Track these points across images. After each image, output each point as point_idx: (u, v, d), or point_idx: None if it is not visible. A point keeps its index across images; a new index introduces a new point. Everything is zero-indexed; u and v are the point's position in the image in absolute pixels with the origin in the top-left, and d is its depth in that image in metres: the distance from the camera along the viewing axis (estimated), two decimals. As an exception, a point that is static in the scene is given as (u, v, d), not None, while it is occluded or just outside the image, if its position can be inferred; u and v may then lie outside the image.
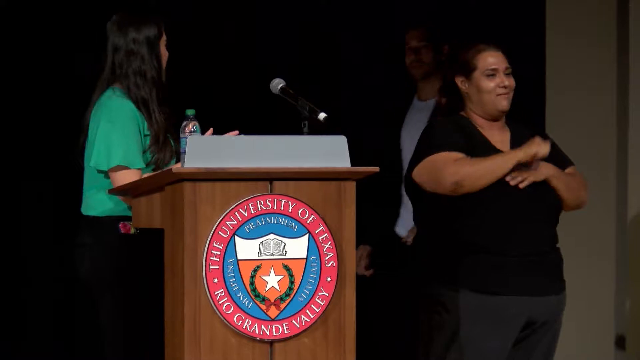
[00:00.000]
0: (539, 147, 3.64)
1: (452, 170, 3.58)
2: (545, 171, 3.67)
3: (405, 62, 4.79)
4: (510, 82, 3.72)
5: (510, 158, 3.63)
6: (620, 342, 5.20)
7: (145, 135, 3.55)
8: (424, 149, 3.69)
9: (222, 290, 3.05)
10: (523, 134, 3.76)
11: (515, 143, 3.73)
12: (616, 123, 5.30)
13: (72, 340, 5.31)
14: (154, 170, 3.52)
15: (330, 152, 3.18)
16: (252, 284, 3.08)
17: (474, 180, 3.57)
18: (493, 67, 3.70)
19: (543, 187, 3.68)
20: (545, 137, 3.76)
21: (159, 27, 3.62)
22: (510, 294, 3.61)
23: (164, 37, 3.66)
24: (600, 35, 5.36)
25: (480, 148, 3.64)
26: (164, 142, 3.56)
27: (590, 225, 5.18)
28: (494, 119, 3.75)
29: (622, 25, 5.32)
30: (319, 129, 3.48)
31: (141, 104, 3.55)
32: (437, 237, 3.71)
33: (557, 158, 3.77)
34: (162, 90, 3.59)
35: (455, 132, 3.67)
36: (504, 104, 3.71)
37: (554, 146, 3.76)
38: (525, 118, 3.87)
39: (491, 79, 3.69)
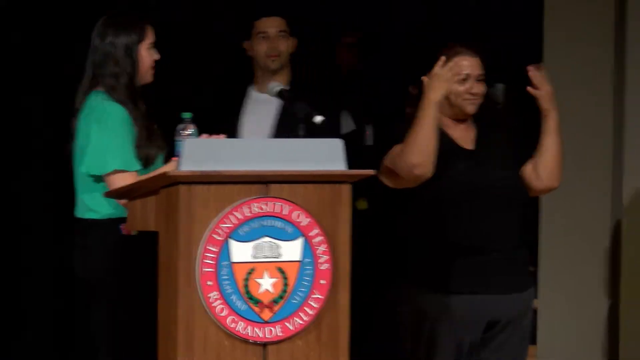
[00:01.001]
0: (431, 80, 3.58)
1: (400, 154, 3.58)
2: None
3: (256, 50, 4.43)
4: (479, 89, 3.72)
5: (420, 107, 3.58)
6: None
7: None
8: (387, 145, 3.71)
9: (216, 292, 3.04)
10: (490, 134, 3.77)
11: (481, 142, 3.73)
12: (612, 124, 5.29)
13: (71, 342, 5.32)
14: (143, 167, 3.53)
15: (326, 155, 3.18)
16: (245, 286, 3.07)
17: (412, 147, 3.54)
18: (466, 72, 3.70)
19: (508, 184, 3.69)
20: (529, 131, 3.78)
21: (141, 31, 3.63)
22: (470, 292, 3.61)
23: (148, 40, 3.66)
24: (598, 35, 5.35)
25: (442, 144, 3.62)
26: (148, 139, 3.57)
27: (584, 225, 5.19)
28: (460, 119, 3.76)
29: (620, 26, 5.30)
30: (315, 132, 3.49)
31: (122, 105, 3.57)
32: (399, 237, 3.73)
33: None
34: (136, 94, 3.60)
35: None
36: (470, 108, 3.73)
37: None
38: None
39: (461, 83, 3.69)
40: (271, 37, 4.42)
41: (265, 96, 4.17)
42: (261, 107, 4.38)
